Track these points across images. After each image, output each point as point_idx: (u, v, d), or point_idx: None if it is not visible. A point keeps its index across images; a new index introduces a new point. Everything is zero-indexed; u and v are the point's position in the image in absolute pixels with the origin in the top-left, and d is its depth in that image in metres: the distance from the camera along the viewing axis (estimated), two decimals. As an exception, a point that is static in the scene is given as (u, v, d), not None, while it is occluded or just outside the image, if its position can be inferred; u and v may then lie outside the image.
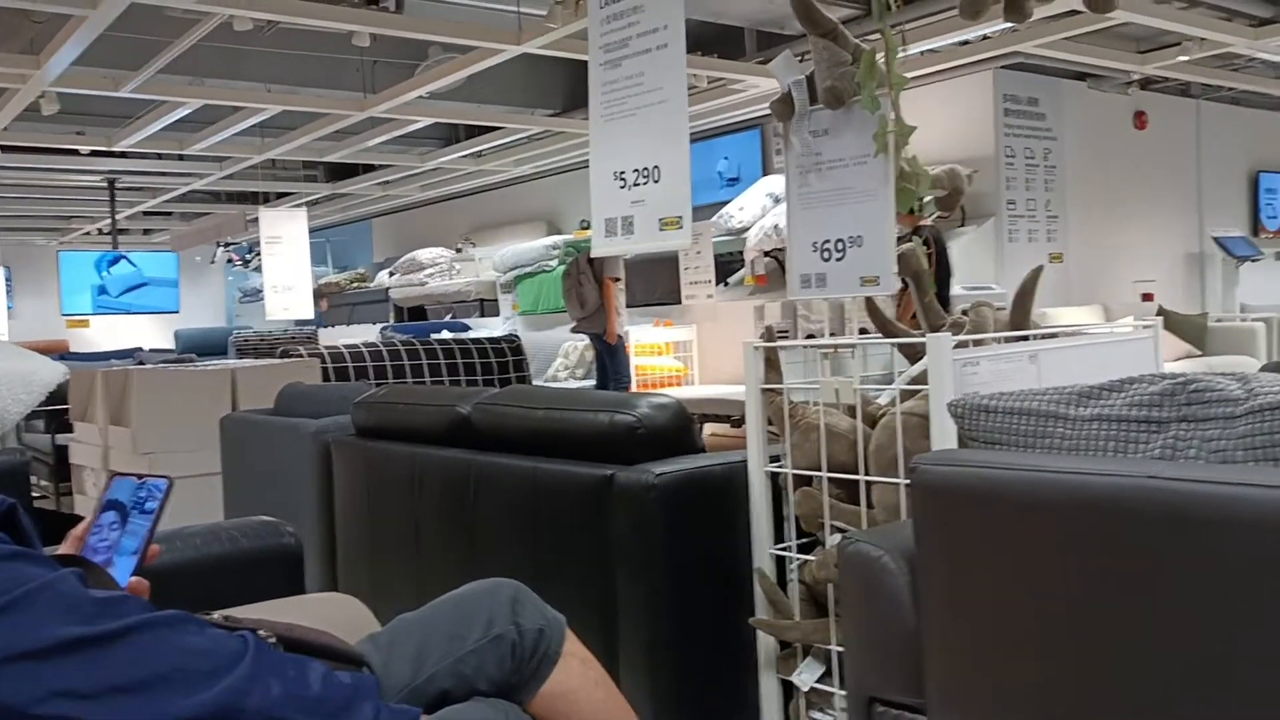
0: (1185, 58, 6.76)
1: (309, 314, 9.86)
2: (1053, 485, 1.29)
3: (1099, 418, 1.41)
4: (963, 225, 7.07)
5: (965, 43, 6.45)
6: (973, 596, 1.39)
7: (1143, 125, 8.11)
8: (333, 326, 11.11)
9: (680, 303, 7.35)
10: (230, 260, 14.15)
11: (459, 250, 10.50)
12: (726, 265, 7.57)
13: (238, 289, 15.44)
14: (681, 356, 7.25)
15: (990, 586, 1.36)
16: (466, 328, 9.23)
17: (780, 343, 2.04)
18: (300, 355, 4.90)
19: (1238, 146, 8.94)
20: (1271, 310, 7.45)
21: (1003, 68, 7.12)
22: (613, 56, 2.55)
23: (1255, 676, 1.10)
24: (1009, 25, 5.90)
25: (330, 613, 1.33)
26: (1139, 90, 7.99)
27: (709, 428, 5.98)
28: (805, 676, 1.89)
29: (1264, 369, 4.64)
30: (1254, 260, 8.36)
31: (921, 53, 6.48)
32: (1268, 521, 1.09)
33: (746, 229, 7.25)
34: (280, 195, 11.08)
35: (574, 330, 7.10)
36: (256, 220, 9.88)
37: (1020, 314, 1.94)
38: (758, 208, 7.30)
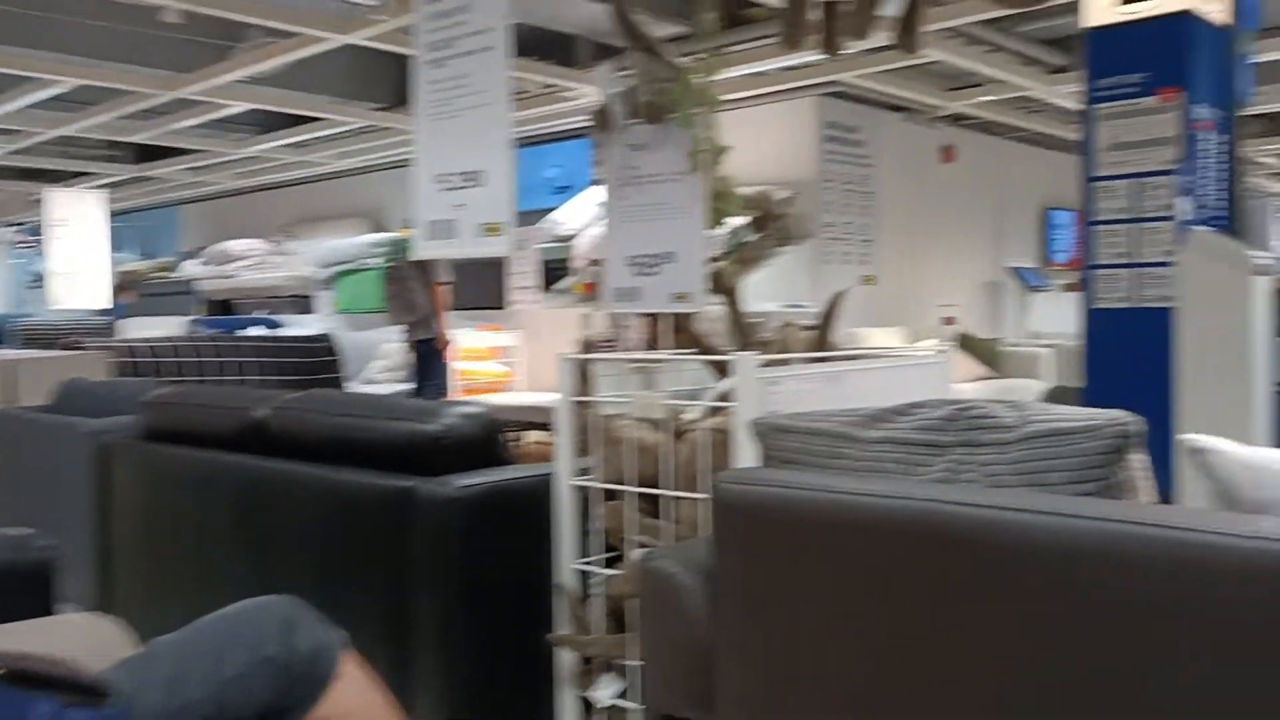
0: (988, 98, 7.20)
1: (103, 303, 9.22)
2: (838, 505, 1.32)
3: (887, 440, 1.46)
4: (785, 245, 7.29)
5: (791, 68, 6.66)
6: (766, 614, 1.41)
7: (950, 159, 8.58)
8: (136, 318, 10.45)
9: (506, 307, 7.28)
10: (19, 242, 13.10)
11: (276, 243, 10.07)
12: (555, 272, 7.55)
13: (28, 272, 14.31)
14: (507, 362, 7.18)
15: (783, 604, 1.39)
16: (279, 324, 8.85)
17: (593, 356, 2.03)
18: (83, 347, 4.56)
19: (1032, 184, 9.59)
20: (1058, 337, 8.00)
21: (825, 95, 7.40)
22: (438, 55, 2.49)
23: (1025, 691, 1.15)
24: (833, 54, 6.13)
25: (81, 635, 1.23)
26: (947, 125, 8.46)
27: (532, 435, 5.94)
28: (603, 693, 1.88)
29: (1050, 391, 4.99)
30: (1043, 290, 8.98)
31: (750, 75, 6.65)
32: (1030, 544, 1.15)
33: (574, 237, 7.25)
34: (78, 175, 10.34)
35: (405, 335, 6.88)
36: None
37: (823, 336, 2.00)
38: (586, 216, 7.31)
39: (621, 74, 1.96)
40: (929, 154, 8.48)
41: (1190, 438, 1.20)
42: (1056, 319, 9.32)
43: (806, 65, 6.55)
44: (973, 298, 8.98)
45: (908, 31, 1.85)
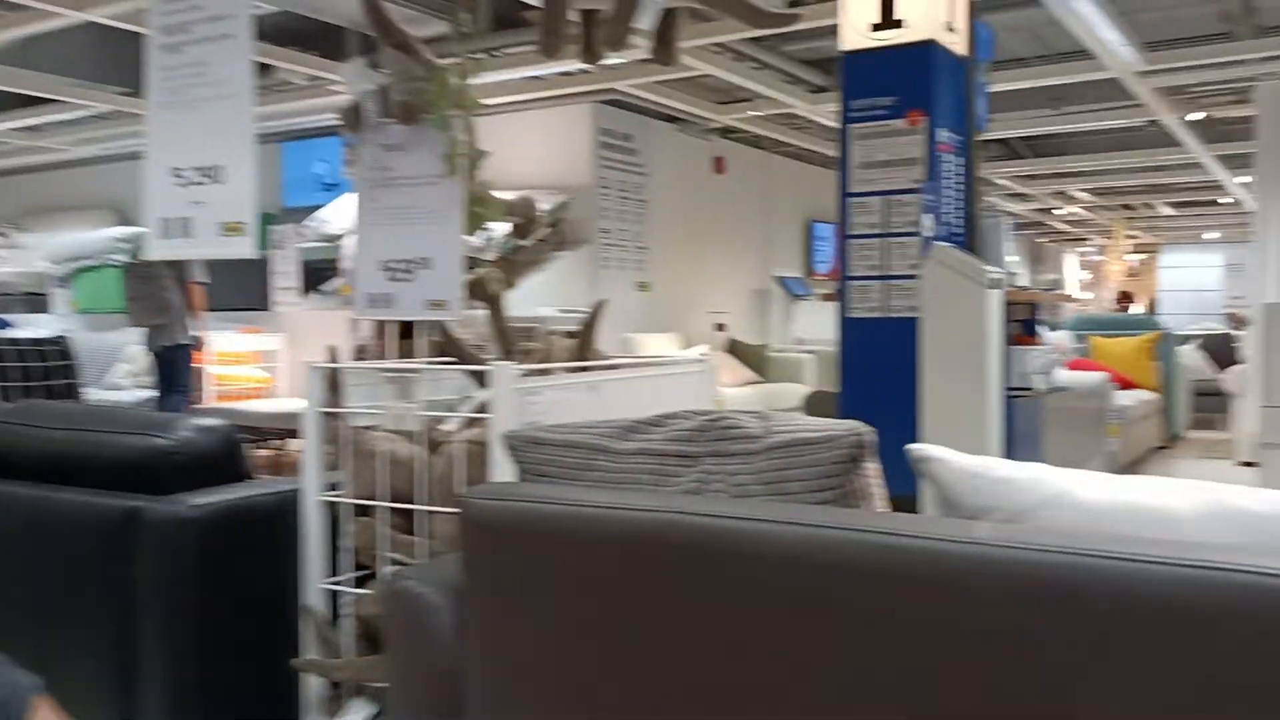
0: (756, 113, 7.49)
1: None
2: (586, 519, 1.31)
3: (640, 451, 1.46)
4: (561, 250, 7.29)
5: (567, 74, 6.68)
6: (514, 633, 1.37)
7: (721, 170, 8.87)
8: None
9: (268, 309, 6.91)
10: None
11: (4, 235, 9.15)
12: (322, 272, 7.24)
13: None
14: (268, 367, 6.82)
15: (532, 622, 1.35)
16: (8, 324, 8.04)
17: (343, 364, 1.93)
18: None
19: (797, 197, 10.06)
20: (820, 343, 8.42)
21: (601, 102, 7.47)
22: (174, 40, 2.31)
23: (770, 696, 1.17)
24: (608, 62, 6.20)
25: None
26: (719, 138, 8.74)
27: (294, 444, 5.66)
28: (352, 719, 1.79)
29: (809, 395, 5.22)
30: (807, 298, 9.42)
31: (527, 78, 6.62)
32: (771, 554, 1.17)
33: (341, 236, 6.97)
34: None
35: (148, 338, 6.36)
36: None
37: (584, 344, 1.98)
38: (354, 214, 7.05)
39: (375, 70, 1.87)
40: (702, 164, 8.74)
41: (915, 447, 1.25)
42: (819, 326, 9.82)
43: (583, 72, 6.59)
44: (742, 305, 9.31)
45: (664, 44, 1.87)
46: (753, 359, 7.79)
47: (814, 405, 5.01)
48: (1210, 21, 6.10)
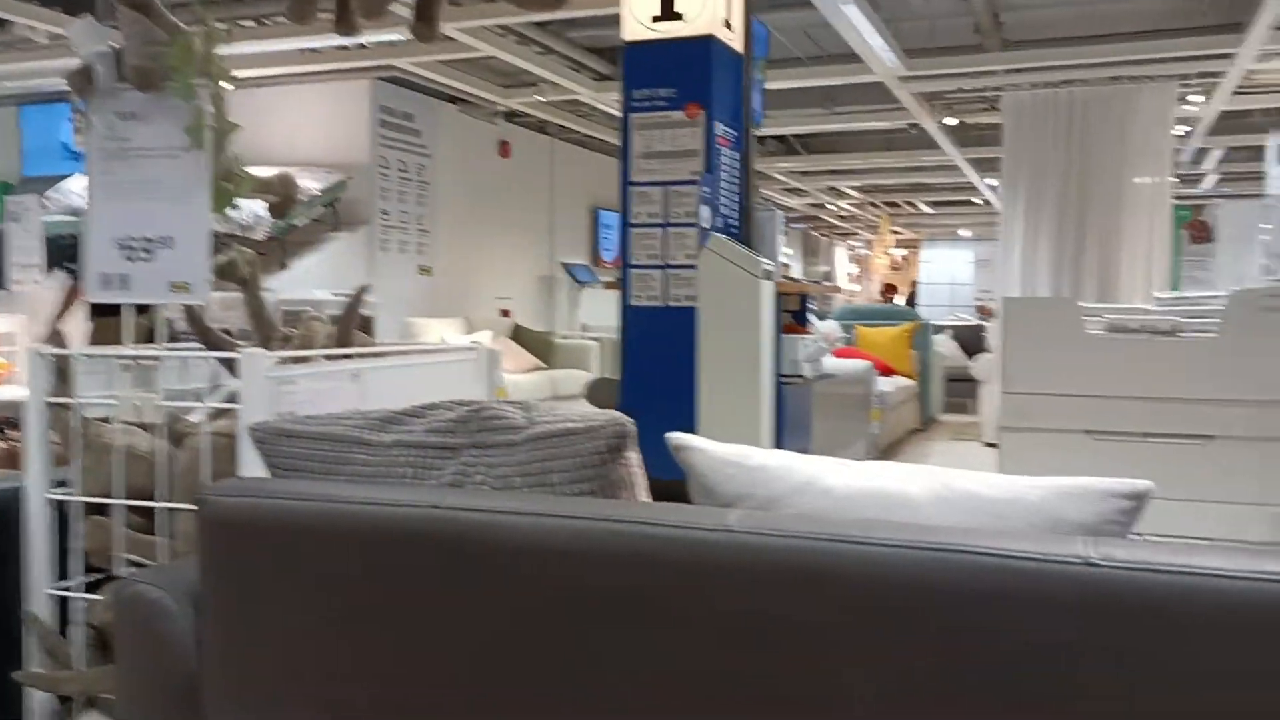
0: (541, 98, 7.44)
1: None
2: (339, 516, 1.24)
3: (400, 444, 1.40)
4: (336, 230, 7.03)
5: (345, 49, 6.41)
6: (259, 640, 1.28)
7: (507, 154, 8.78)
8: None
9: (6, 288, 6.28)
10: None
11: None
12: (67, 248, 6.65)
13: None
14: (6, 352, 6.20)
15: (279, 628, 1.27)
16: None
17: (70, 350, 1.76)
18: None
19: (583, 184, 10.11)
20: (604, 330, 8.50)
21: (380, 79, 7.22)
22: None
23: (527, 695, 1.15)
24: (387, 38, 5.98)
25: None
26: (504, 121, 8.64)
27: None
28: (82, 737, 1.64)
29: (591, 383, 5.24)
30: (592, 286, 9.49)
31: (302, 50, 6.31)
32: (530, 546, 1.14)
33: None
34: None
35: None
36: None
37: (345, 331, 1.89)
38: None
39: (108, 30, 1.71)
40: (487, 148, 8.62)
41: (674, 436, 1.26)
42: (604, 314, 9.91)
43: (361, 47, 6.34)
44: (528, 291, 9.27)
45: (425, 20, 1.80)
46: (538, 346, 7.77)
47: (596, 392, 5.04)
48: (966, 33, 6.55)
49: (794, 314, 5.15)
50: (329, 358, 1.85)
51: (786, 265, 12.50)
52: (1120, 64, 6.60)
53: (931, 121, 8.30)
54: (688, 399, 4.39)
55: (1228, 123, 8.50)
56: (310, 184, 6.35)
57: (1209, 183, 12.45)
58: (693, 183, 4.40)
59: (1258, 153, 9.07)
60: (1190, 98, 7.28)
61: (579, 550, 1.13)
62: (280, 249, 6.08)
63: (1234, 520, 3.26)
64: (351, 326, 1.88)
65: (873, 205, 15.94)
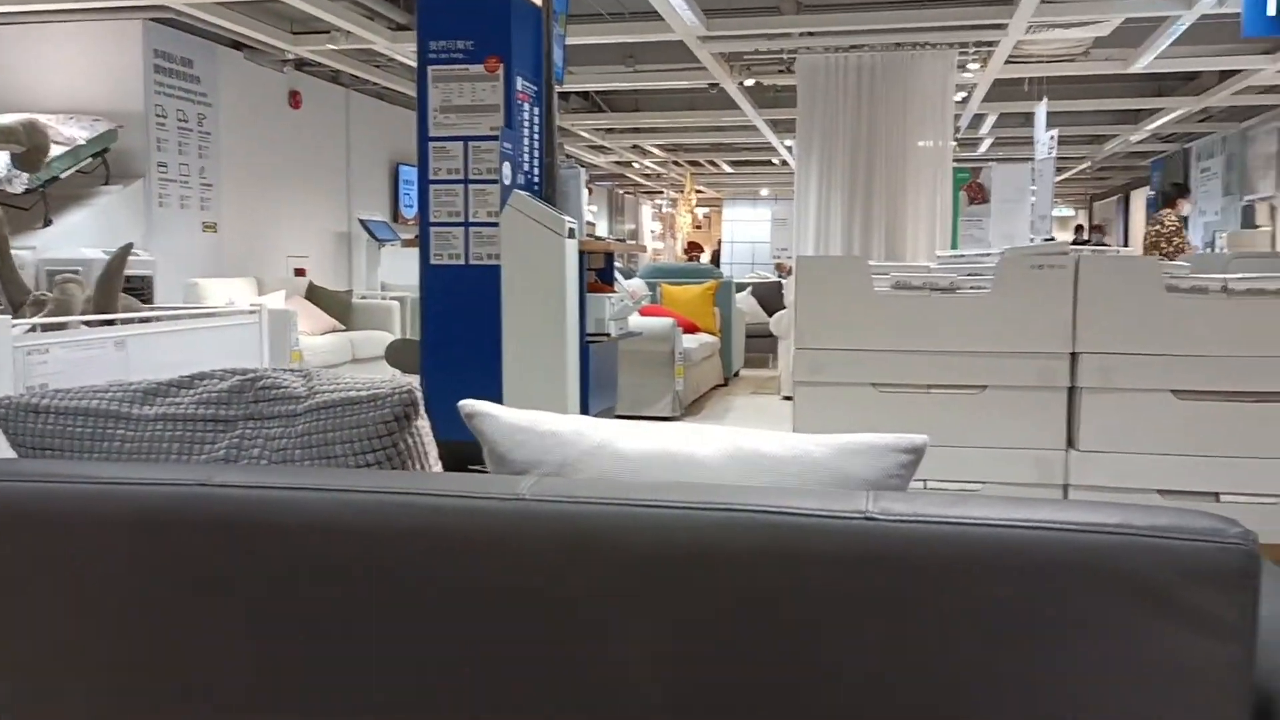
0: (333, 46, 7.10)
1: None
2: (99, 498, 1.13)
3: (165, 417, 1.30)
4: (107, 184, 6.50)
5: (111, -16, 5.91)
6: (13, 636, 1.16)
7: (298, 105, 8.35)
8: None
9: None
10: None
11: None
12: None
13: None
14: None
15: (28, 624, 1.16)
16: None
17: None
18: None
19: (381, 138, 9.75)
20: (406, 290, 8.27)
21: (153, 20, 6.70)
22: None
23: (312, 682, 1.09)
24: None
25: None
26: (294, 70, 8.21)
27: None
28: None
29: (391, 344, 5.08)
30: (393, 244, 9.21)
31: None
32: (312, 524, 1.08)
33: None
34: None
35: None
36: None
37: (106, 296, 1.74)
38: None
39: None
40: (274, 98, 8.17)
41: (465, 403, 1.22)
42: (406, 272, 9.65)
43: (130, -16, 5.86)
44: (324, 249, 8.90)
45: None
46: (335, 306, 7.47)
47: (396, 354, 4.89)
48: (762, -5, 6.68)
49: (599, 272, 5.15)
50: (88, 324, 1.70)
51: (592, 224, 12.53)
52: (904, 30, 6.90)
53: (731, 82, 8.45)
54: (493, 359, 4.33)
55: (1001, 90, 9.06)
56: (76, 132, 5.83)
57: (985, 146, 13.28)
58: (493, 138, 4.31)
59: (1028, 119, 9.74)
60: (969, 65, 7.70)
61: (364, 526, 1.08)
62: (42, 203, 5.57)
63: (1006, 463, 3.50)
64: (115, 289, 1.73)
65: (676, 164, 16.16)
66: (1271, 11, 5.49)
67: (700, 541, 1.01)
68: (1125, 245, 16.58)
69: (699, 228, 20.55)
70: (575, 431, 1.18)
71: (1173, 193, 8.30)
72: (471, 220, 4.40)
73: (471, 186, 4.39)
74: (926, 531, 0.98)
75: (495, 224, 4.30)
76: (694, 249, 16.44)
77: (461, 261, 4.41)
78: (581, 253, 4.56)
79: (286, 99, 8.25)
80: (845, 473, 1.13)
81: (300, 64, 8.12)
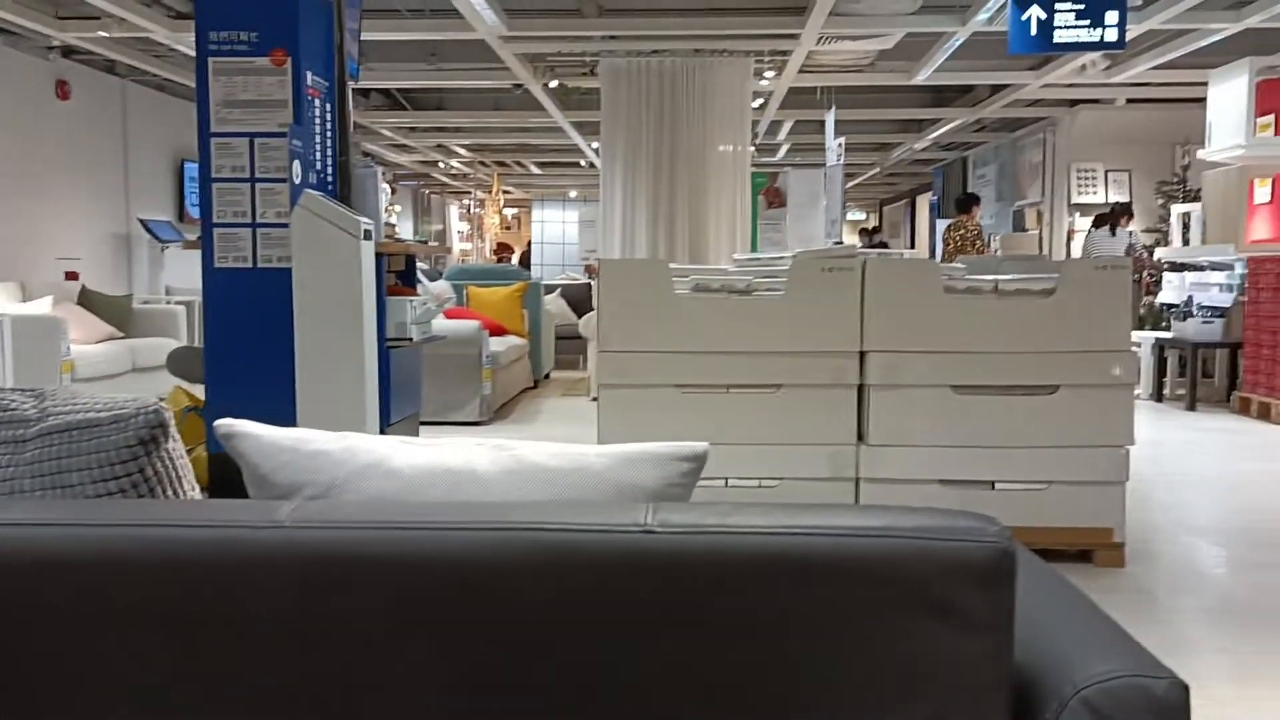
0: (105, 34, 6.62)
1: None
2: None
3: None
4: None
5: None
6: None
7: (66, 96, 7.74)
8: None
9: None
10: None
11: None
12: None
13: None
14: None
15: None
16: None
17: None
18: None
19: (163, 132, 9.17)
20: (193, 293, 7.79)
21: (-108, -2, 6.06)
22: None
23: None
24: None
25: None
26: (62, 59, 7.60)
27: None
28: None
29: (173, 352, 4.77)
30: (177, 245, 8.68)
31: None
32: (43, 561, 0.97)
33: None
34: None
35: None
36: None
37: None
38: None
39: None
40: (39, 88, 7.54)
41: (222, 423, 1.13)
42: (192, 275, 9.11)
43: None
44: (99, 251, 8.28)
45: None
46: (113, 312, 6.95)
47: (178, 363, 4.60)
48: (564, -3, 6.67)
49: (400, 275, 5.01)
50: None
51: (392, 225, 12.20)
52: (703, 37, 7.05)
53: (535, 83, 8.41)
54: (284, 367, 4.13)
55: (796, 98, 9.41)
56: None
57: (783, 152, 13.78)
58: (282, 135, 4.10)
59: (822, 126, 10.14)
60: (766, 73, 7.95)
61: (106, 561, 0.98)
62: None
63: (802, 459, 3.61)
64: None
65: (483, 164, 15.98)
66: (1034, 31, 5.91)
67: (473, 562, 0.97)
68: (912, 247, 17.58)
69: (508, 228, 20.40)
70: (345, 450, 1.11)
71: (967, 201, 8.88)
72: (259, 221, 4.18)
73: (259, 185, 4.18)
74: (705, 542, 0.97)
75: (285, 225, 4.10)
76: (504, 250, 16.30)
77: (249, 264, 4.19)
78: (380, 255, 4.42)
79: (53, 89, 7.63)
80: (627, 483, 1.11)
81: (69, 51, 7.52)
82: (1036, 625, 1.06)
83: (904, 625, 0.94)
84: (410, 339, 4.77)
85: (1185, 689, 0.94)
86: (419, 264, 8.56)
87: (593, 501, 1.08)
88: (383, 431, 4.49)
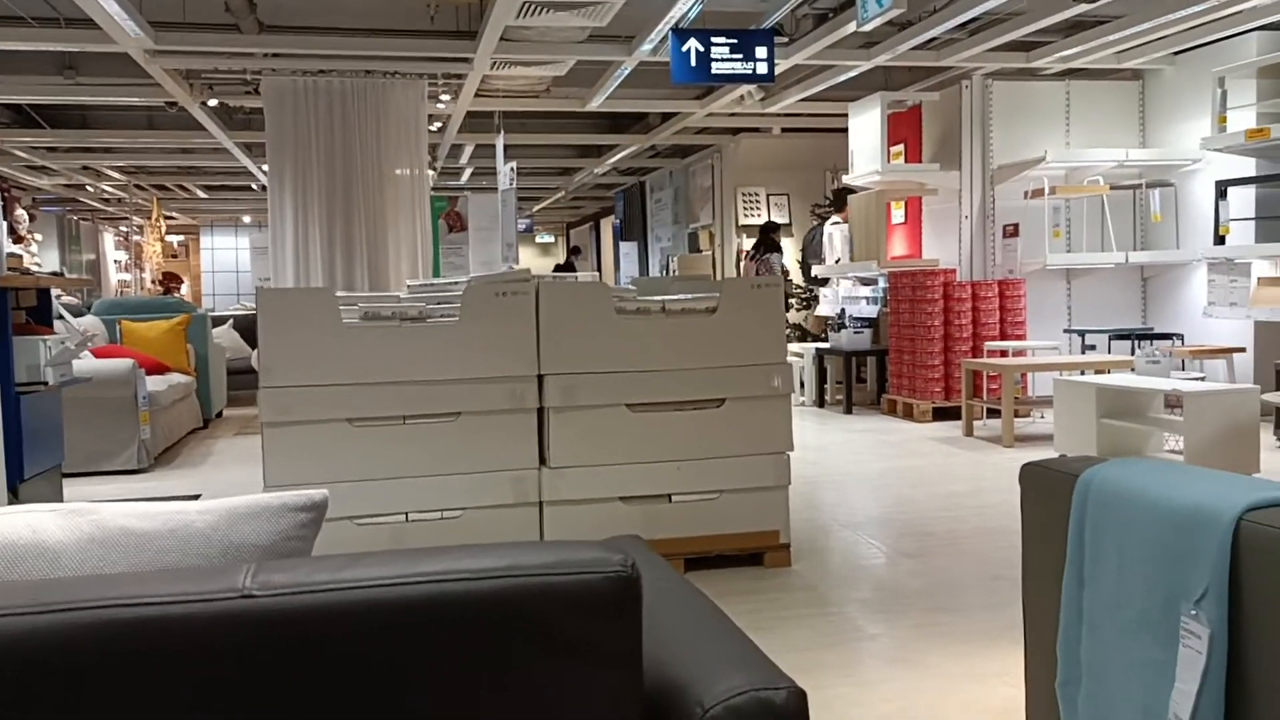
0: None
1: None
2: None
3: None
4: None
5: None
6: None
7: None
8: None
9: None
10: None
11: None
12: None
13: None
14: None
15: None
16: None
17: None
18: None
19: None
20: None
21: None
22: None
23: None
24: None
25: None
26: None
27: None
28: None
29: None
30: None
31: None
32: None
33: None
34: None
35: None
36: None
37: None
38: None
39: None
40: None
41: None
42: None
43: None
44: None
45: None
46: None
47: None
48: (218, 11, 6.23)
49: (31, 311, 4.46)
50: None
51: (19, 255, 10.93)
52: (373, 59, 6.86)
53: (193, 101, 7.83)
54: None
55: (474, 122, 9.38)
56: None
57: (466, 176, 13.72)
58: None
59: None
60: (442, 96, 7.85)
61: None
62: None
63: (485, 487, 3.54)
64: None
65: (140, 188, 14.70)
66: (694, 63, 6.24)
67: (29, 654, 0.82)
68: (598, 270, 18.07)
69: (174, 257, 18.90)
70: None
71: (774, 238, 9.45)
72: None
73: None
74: (311, 601, 0.88)
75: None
76: (172, 280, 15.07)
77: None
78: (2, 290, 3.91)
79: None
80: (234, 543, 1.00)
81: None
82: (666, 648, 1.06)
83: (531, 667, 0.90)
84: (45, 383, 4.26)
85: (802, 695, 0.96)
86: (61, 298, 7.68)
87: (187, 568, 0.96)
88: (14, 488, 3.97)
